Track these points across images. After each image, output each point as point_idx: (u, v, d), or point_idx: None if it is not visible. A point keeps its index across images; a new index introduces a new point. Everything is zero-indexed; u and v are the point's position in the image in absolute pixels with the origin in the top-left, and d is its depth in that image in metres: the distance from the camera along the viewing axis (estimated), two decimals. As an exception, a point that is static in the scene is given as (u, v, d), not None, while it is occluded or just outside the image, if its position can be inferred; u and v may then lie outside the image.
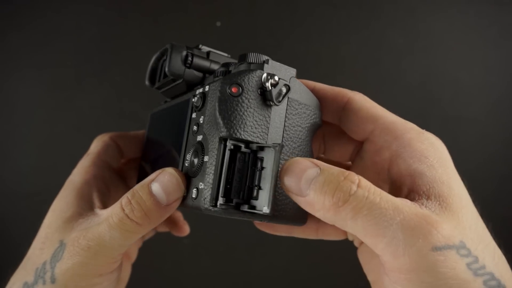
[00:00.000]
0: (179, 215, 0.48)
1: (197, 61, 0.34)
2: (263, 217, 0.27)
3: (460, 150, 0.82)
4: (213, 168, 0.26)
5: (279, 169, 0.26)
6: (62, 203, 0.34)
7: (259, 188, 0.26)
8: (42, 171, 0.74)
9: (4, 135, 0.74)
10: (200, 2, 0.76)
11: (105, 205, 0.35)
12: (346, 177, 0.24)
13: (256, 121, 0.27)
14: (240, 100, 0.27)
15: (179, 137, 0.33)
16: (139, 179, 0.41)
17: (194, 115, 0.31)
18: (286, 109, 0.28)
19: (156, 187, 0.29)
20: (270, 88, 0.27)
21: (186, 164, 0.30)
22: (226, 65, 0.32)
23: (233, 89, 0.27)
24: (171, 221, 0.48)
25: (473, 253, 0.24)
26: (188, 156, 0.30)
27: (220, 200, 0.26)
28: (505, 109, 0.77)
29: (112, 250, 0.30)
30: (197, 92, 0.31)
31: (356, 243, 0.36)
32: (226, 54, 0.37)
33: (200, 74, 0.34)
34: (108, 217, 0.30)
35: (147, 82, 0.39)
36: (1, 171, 0.74)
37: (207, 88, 0.29)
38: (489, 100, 0.77)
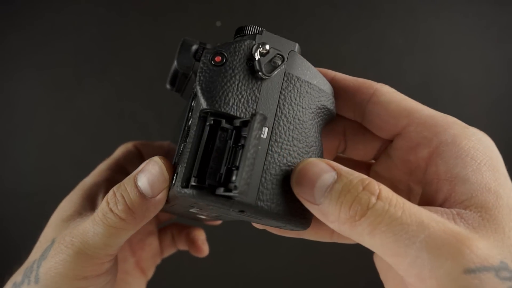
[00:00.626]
0: (199, 234, 0.45)
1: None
2: (243, 207, 0.23)
3: (460, 150, 0.82)
4: (188, 146, 0.23)
5: (257, 150, 0.22)
6: (66, 202, 0.33)
7: (237, 169, 0.22)
8: (42, 171, 0.74)
9: (4, 135, 0.74)
10: (200, 2, 0.76)
11: None
12: (366, 187, 0.22)
13: (241, 94, 0.24)
14: (223, 70, 0.24)
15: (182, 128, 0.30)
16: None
17: (192, 103, 0.28)
18: (282, 84, 0.25)
19: (141, 178, 0.26)
20: (258, 57, 0.24)
21: (181, 147, 0.26)
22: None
23: (216, 58, 0.24)
24: (189, 239, 0.44)
25: None
26: (181, 146, 0.27)
27: (192, 181, 0.22)
28: (505, 109, 0.77)
29: (95, 248, 0.27)
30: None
31: None
32: None
33: None
34: (94, 215, 0.27)
35: (168, 84, 0.36)
36: (1, 171, 0.74)
37: (199, 70, 0.26)
38: (489, 100, 0.77)
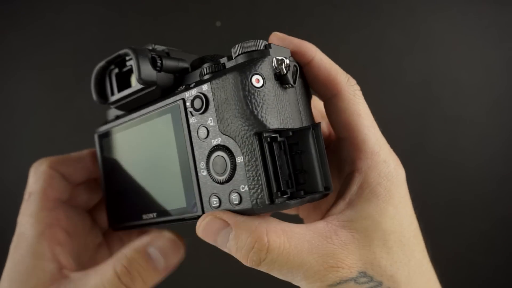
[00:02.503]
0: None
1: (168, 62, 0.32)
2: (313, 199, 0.27)
3: (460, 150, 0.82)
4: (255, 166, 0.25)
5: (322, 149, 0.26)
6: (20, 268, 0.30)
7: (305, 172, 0.26)
8: (42, 171, 0.74)
9: (4, 135, 0.74)
10: (200, 2, 0.76)
11: (74, 259, 0.32)
12: (255, 245, 0.25)
13: (282, 107, 0.26)
14: (266, 90, 0.26)
15: (172, 149, 0.30)
16: (113, 215, 0.36)
17: (193, 120, 0.28)
18: (296, 87, 0.28)
19: (154, 253, 0.29)
20: (285, 71, 0.26)
21: (204, 173, 0.28)
22: (202, 60, 0.30)
23: (255, 81, 0.26)
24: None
25: (377, 278, 0.26)
26: (203, 164, 0.28)
27: (276, 196, 0.25)
28: (505, 109, 0.77)
29: None
30: (188, 95, 0.28)
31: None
32: (180, 50, 0.34)
33: (171, 76, 0.32)
34: (99, 286, 0.28)
35: (96, 98, 0.34)
36: (1, 171, 0.74)
37: (205, 87, 0.27)
38: (489, 100, 0.77)
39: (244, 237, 0.26)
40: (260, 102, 0.26)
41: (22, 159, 0.74)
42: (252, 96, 0.26)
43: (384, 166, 0.28)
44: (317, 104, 0.34)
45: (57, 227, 0.33)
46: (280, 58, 0.26)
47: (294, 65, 0.27)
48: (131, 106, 0.34)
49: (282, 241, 0.26)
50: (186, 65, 0.32)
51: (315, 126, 0.25)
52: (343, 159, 0.30)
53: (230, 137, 0.26)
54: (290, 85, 0.27)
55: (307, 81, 0.30)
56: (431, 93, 0.77)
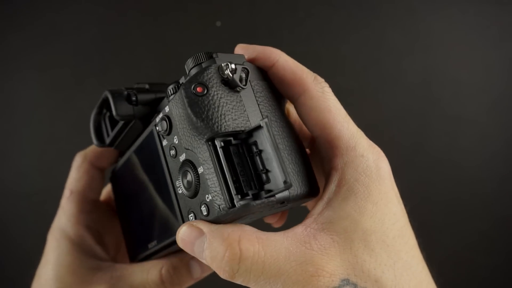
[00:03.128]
0: None
1: (142, 96, 0.33)
2: (283, 199, 0.26)
3: (460, 150, 0.82)
4: (213, 173, 0.25)
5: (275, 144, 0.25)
6: (62, 256, 0.34)
7: (267, 171, 0.25)
8: (42, 171, 0.74)
9: (4, 135, 0.74)
10: (200, 2, 0.76)
11: (107, 251, 0.36)
12: (226, 254, 0.25)
13: (232, 110, 0.26)
14: (210, 97, 0.26)
15: (158, 174, 0.31)
16: (130, 249, 0.38)
17: (165, 142, 0.29)
18: (253, 90, 0.28)
19: (195, 267, 0.33)
20: (231, 75, 0.26)
21: (180, 191, 0.28)
22: (172, 84, 0.30)
23: (198, 89, 0.26)
24: None
25: (361, 285, 0.24)
26: (178, 182, 0.28)
27: (236, 198, 0.24)
28: (505, 109, 0.77)
29: None
30: (157, 119, 0.29)
31: None
32: (162, 83, 0.35)
33: (149, 108, 0.33)
34: (144, 283, 0.32)
35: (95, 142, 0.36)
36: (1, 171, 0.74)
37: (167, 109, 0.28)
38: (489, 100, 0.77)
39: (216, 245, 0.25)
40: (205, 109, 0.26)
41: (22, 159, 0.74)
42: (196, 104, 0.26)
43: (362, 160, 0.27)
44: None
45: (94, 228, 0.36)
46: (225, 63, 0.26)
47: (243, 68, 0.27)
48: (125, 144, 0.35)
49: (257, 249, 0.25)
50: (163, 95, 0.33)
51: (263, 120, 0.24)
52: (322, 158, 0.29)
53: (190, 150, 0.27)
54: (239, 88, 0.27)
55: (275, 84, 0.30)
56: (431, 93, 0.77)
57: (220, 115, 0.26)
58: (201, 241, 0.26)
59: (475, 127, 0.77)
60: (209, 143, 0.25)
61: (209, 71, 0.27)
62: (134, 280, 0.32)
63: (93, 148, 0.38)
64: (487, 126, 0.77)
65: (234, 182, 0.25)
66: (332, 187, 0.27)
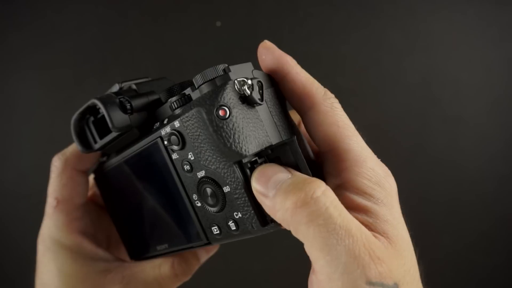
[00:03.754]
0: None
1: (136, 102, 0.31)
2: None
3: (460, 150, 0.82)
4: (243, 194, 0.26)
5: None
6: (66, 268, 0.34)
7: None
8: (42, 171, 0.74)
9: (4, 135, 0.74)
10: (200, 2, 0.76)
11: (110, 251, 0.36)
12: (313, 181, 0.24)
13: (254, 129, 0.26)
14: (234, 119, 0.25)
15: (166, 184, 0.30)
16: (131, 248, 0.38)
17: (175, 156, 0.28)
18: (265, 100, 0.27)
19: (200, 250, 0.34)
20: (249, 93, 0.26)
21: (199, 204, 0.29)
22: (170, 91, 0.30)
23: (221, 113, 0.25)
24: None
25: None
26: (196, 196, 0.28)
27: (268, 218, 0.26)
28: (505, 109, 0.77)
29: None
30: (164, 133, 0.28)
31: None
32: (147, 78, 0.34)
33: (144, 113, 0.31)
34: (158, 278, 0.33)
35: (81, 149, 0.33)
36: (1, 171, 0.74)
37: (176, 124, 0.27)
38: (489, 100, 0.77)
39: (305, 176, 0.25)
40: (231, 133, 0.25)
41: (22, 159, 0.74)
42: (222, 129, 0.25)
43: (373, 173, 0.27)
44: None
45: (89, 232, 0.36)
46: (241, 79, 0.26)
47: (258, 81, 0.26)
48: (116, 148, 0.34)
49: (337, 200, 0.24)
50: (156, 96, 0.32)
51: (290, 140, 0.25)
52: (327, 173, 0.29)
53: (211, 169, 0.27)
54: (257, 104, 0.26)
55: (284, 94, 0.29)
56: (431, 93, 0.77)
57: (246, 137, 0.25)
58: (285, 174, 0.25)
59: (475, 127, 0.77)
60: (236, 166, 0.26)
61: (228, 90, 0.26)
62: (147, 277, 0.33)
63: (72, 150, 0.36)
64: (487, 126, 0.77)
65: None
66: (354, 197, 0.26)
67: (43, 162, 0.75)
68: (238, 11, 0.76)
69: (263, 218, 0.26)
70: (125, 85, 0.33)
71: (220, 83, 0.26)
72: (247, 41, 0.75)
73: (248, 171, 0.26)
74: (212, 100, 0.25)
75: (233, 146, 0.25)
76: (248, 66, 0.28)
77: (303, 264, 0.82)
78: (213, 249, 0.36)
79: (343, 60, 0.76)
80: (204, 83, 0.26)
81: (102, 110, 0.29)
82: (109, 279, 0.33)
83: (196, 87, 0.27)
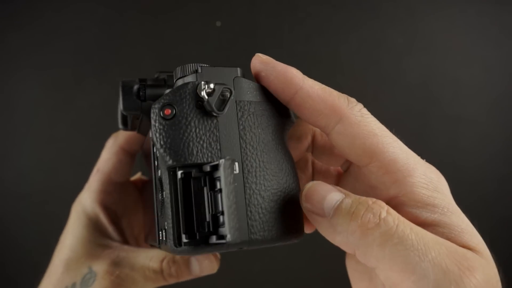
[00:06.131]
0: None
1: (151, 91, 0.31)
2: (240, 245, 0.23)
3: (460, 150, 0.82)
4: (168, 203, 0.23)
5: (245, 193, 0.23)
6: (79, 229, 0.36)
7: (223, 213, 0.22)
8: (42, 171, 0.74)
9: (4, 135, 0.74)
10: (200, 2, 0.76)
11: (120, 232, 0.37)
12: (375, 202, 0.22)
13: (201, 139, 0.23)
14: (176, 122, 0.23)
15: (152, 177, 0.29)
16: (147, 228, 0.38)
17: (155, 149, 0.26)
18: (237, 114, 0.24)
19: (194, 264, 0.34)
20: (206, 97, 0.23)
21: (161, 207, 0.26)
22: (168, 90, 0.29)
23: (166, 111, 0.23)
24: None
25: None
26: (158, 196, 0.26)
27: (184, 238, 0.22)
28: (505, 109, 0.77)
29: None
30: None
31: None
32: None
33: None
34: (145, 268, 0.33)
35: (120, 125, 0.36)
36: (1, 171, 0.74)
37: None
38: (489, 100, 0.77)
39: (359, 196, 0.23)
40: (170, 134, 0.23)
41: (22, 159, 0.74)
42: (162, 129, 0.23)
43: (428, 180, 0.25)
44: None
45: (111, 209, 0.37)
46: (205, 82, 0.24)
47: (226, 89, 0.24)
48: (146, 130, 0.34)
49: (401, 216, 0.22)
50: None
51: (224, 160, 0.21)
52: (372, 187, 0.26)
53: (161, 170, 0.24)
54: (214, 113, 0.23)
55: (299, 113, 0.26)
56: (431, 93, 0.77)
57: (184, 143, 0.23)
58: (338, 194, 0.23)
59: (475, 127, 0.77)
60: (171, 171, 0.23)
61: (184, 90, 0.24)
62: (136, 263, 0.33)
63: (127, 134, 0.39)
64: (487, 126, 0.77)
65: (186, 219, 0.23)
66: (414, 210, 0.24)
67: (43, 162, 0.75)
68: (238, 11, 0.76)
69: (178, 238, 0.23)
70: (161, 75, 0.33)
71: (186, 82, 0.24)
72: (247, 41, 0.75)
73: (180, 182, 0.23)
74: (162, 99, 0.24)
75: (168, 148, 0.23)
76: (232, 71, 0.25)
77: (303, 264, 0.82)
78: (206, 269, 0.35)
79: (343, 60, 0.76)
80: (177, 79, 0.25)
81: (120, 91, 0.31)
82: (105, 254, 0.34)
83: (174, 81, 0.26)
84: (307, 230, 0.30)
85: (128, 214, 0.39)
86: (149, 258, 0.34)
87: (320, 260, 0.75)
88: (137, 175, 0.42)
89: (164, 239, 0.24)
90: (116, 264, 0.33)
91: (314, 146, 0.30)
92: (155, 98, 0.30)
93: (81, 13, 0.75)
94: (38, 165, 0.74)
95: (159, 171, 0.25)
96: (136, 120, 0.33)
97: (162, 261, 0.33)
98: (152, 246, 0.36)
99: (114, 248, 0.35)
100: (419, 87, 0.77)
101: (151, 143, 0.27)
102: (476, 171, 0.76)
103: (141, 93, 0.31)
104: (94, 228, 0.36)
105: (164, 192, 0.24)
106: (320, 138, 0.30)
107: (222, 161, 0.21)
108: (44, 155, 0.74)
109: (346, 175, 0.30)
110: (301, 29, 0.76)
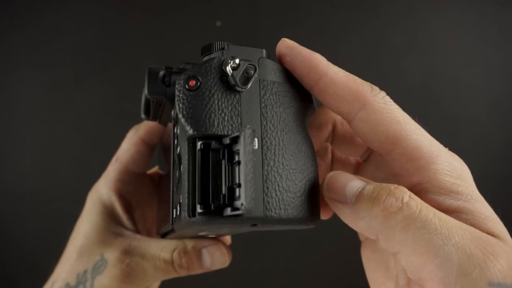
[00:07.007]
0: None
1: (176, 77, 0.31)
2: (254, 220, 0.23)
3: (460, 150, 0.82)
4: (185, 173, 0.23)
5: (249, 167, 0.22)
6: (93, 216, 0.36)
7: (239, 185, 0.22)
8: (42, 171, 0.74)
9: (4, 135, 0.74)
10: (200, 1, 0.76)
11: (133, 222, 0.37)
12: (397, 187, 0.23)
13: (223, 112, 0.24)
14: (200, 93, 0.24)
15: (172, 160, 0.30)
16: (159, 219, 0.38)
17: (175, 129, 0.27)
18: (260, 92, 0.25)
19: (206, 256, 0.33)
20: (231, 71, 0.24)
21: (178, 183, 0.27)
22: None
23: (190, 83, 0.24)
24: None
25: None
26: (176, 173, 0.27)
27: (198, 208, 0.22)
28: (505, 109, 0.77)
29: (147, 282, 0.34)
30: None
31: (361, 236, 0.32)
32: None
33: None
34: (155, 258, 0.33)
35: (142, 115, 0.36)
36: (1, 171, 0.74)
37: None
38: (489, 100, 0.77)
39: (381, 183, 0.23)
40: (193, 105, 0.24)
41: (22, 159, 0.74)
42: (185, 100, 0.24)
43: (451, 167, 0.25)
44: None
45: (126, 198, 0.38)
46: (230, 57, 0.24)
47: (250, 65, 0.24)
48: (166, 120, 0.34)
49: (423, 201, 0.22)
50: None
51: (242, 131, 0.22)
52: (395, 174, 0.26)
53: (180, 145, 0.25)
54: (237, 87, 0.24)
55: (321, 99, 0.26)
56: (431, 93, 0.77)
57: (206, 114, 0.24)
58: (359, 182, 0.23)
59: (475, 127, 0.77)
60: (191, 142, 0.24)
61: (209, 64, 0.25)
62: (147, 252, 0.33)
63: (146, 123, 0.38)
64: (487, 126, 0.77)
65: (202, 189, 0.23)
66: (439, 198, 0.24)
67: (43, 162, 0.75)
68: (238, 11, 0.76)
69: (193, 208, 0.23)
70: (186, 65, 0.34)
71: (212, 57, 0.25)
72: (247, 41, 0.75)
73: (199, 153, 0.23)
74: (189, 71, 0.25)
75: (190, 118, 0.24)
76: (258, 51, 0.26)
77: (303, 264, 0.82)
78: (218, 263, 0.35)
79: (343, 60, 0.76)
80: (204, 55, 0.26)
81: (146, 76, 0.31)
82: (117, 241, 0.34)
83: (200, 58, 0.27)
84: (323, 216, 0.30)
85: (142, 206, 0.39)
86: (161, 248, 0.33)
87: (320, 260, 0.75)
88: (154, 169, 0.42)
89: (178, 214, 0.24)
90: (127, 252, 0.33)
91: (334, 136, 0.31)
92: None
93: (81, 13, 0.75)
94: (38, 165, 0.74)
95: (178, 148, 0.25)
96: (159, 107, 0.33)
97: (173, 251, 0.33)
98: (163, 236, 0.36)
99: (127, 236, 0.35)
100: (419, 87, 0.77)
101: (172, 122, 0.28)
102: (476, 171, 0.75)
103: (166, 79, 0.31)
104: (109, 215, 0.36)
105: (182, 166, 0.24)
106: (340, 128, 0.30)
107: (243, 128, 0.22)
108: (44, 155, 0.74)
109: (365, 164, 0.30)
110: (301, 29, 0.76)
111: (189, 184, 0.23)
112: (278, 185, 0.24)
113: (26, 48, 0.74)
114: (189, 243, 0.34)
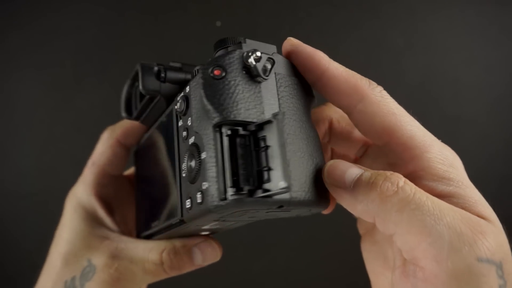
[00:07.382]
0: None
1: (171, 74, 0.33)
2: (281, 202, 0.24)
3: (460, 150, 0.82)
4: (214, 160, 0.24)
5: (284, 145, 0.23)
6: (76, 221, 0.36)
7: (269, 169, 0.23)
8: (42, 171, 0.74)
9: (4, 135, 0.74)
10: (200, 1, 0.76)
11: (117, 224, 0.37)
12: (393, 173, 0.24)
13: (248, 100, 0.25)
14: (226, 82, 0.25)
15: (170, 153, 0.30)
16: (137, 225, 0.38)
17: (180, 123, 0.28)
18: (276, 84, 0.27)
19: (197, 253, 0.33)
20: (254, 63, 0.25)
21: (184, 175, 0.27)
22: (199, 65, 0.30)
23: (216, 72, 0.25)
24: None
25: (505, 277, 0.23)
26: (184, 165, 0.27)
27: (230, 191, 0.23)
28: (505, 109, 0.77)
29: (137, 285, 0.33)
30: (178, 98, 0.29)
31: (361, 230, 0.33)
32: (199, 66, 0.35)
33: (177, 87, 0.32)
34: (144, 260, 0.33)
35: (123, 114, 0.36)
36: (1, 171, 0.74)
37: (187, 89, 0.27)
38: (489, 100, 0.77)
39: (378, 170, 0.25)
40: (218, 93, 0.25)
41: (22, 159, 0.74)
42: (211, 87, 0.25)
43: (444, 156, 0.26)
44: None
45: (107, 201, 0.37)
46: (252, 50, 0.25)
47: (269, 58, 0.26)
48: (151, 120, 0.35)
49: (417, 187, 0.24)
50: None
51: (276, 114, 0.23)
52: (391, 164, 0.28)
53: (199, 134, 0.26)
54: (260, 78, 0.25)
55: (324, 94, 0.28)
56: (431, 93, 0.77)
57: (233, 102, 0.24)
58: (358, 169, 0.25)
59: (475, 127, 0.77)
60: (216, 128, 0.24)
61: (232, 56, 0.26)
62: (135, 255, 0.33)
63: (121, 124, 0.39)
64: (487, 126, 0.77)
65: (232, 174, 0.23)
66: (431, 183, 0.26)
67: (43, 162, 0.75)
68: (238, 11, 0.77)
69: (224, 191, 0.23)
70: (175, 64, 0.35)
71: (230, 50, 0.26)
72: (247, 41, 0.75)
73: (226, 138, 0.24)
74: (213, 61, 0.26)
75: (216, 105, 0.24)
76: (271, 47, 0.28)
77: (303, 265, 0.82)
78: (210, 258, 0.35)
79: (343, 60, 0.76)
80: (219, 49, 0.27)
81: (139, 71, 0.32)
82: (104, 245, 0.34)
83: (214, 53, 0.27)
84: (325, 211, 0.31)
85: (122, 208, 0.39)
86: (149, 249, 0.33)
87: (320, 260, 0.75)
88: (131, 170, 0.42)
89: (198, 202, 0.25)
90: (114, 256, 0.33)
91: (331, 133, 0.32)
92: (174, 81, 0.32)
93: (81, 13, 0.75)
94: (38, 165, 0.74)
95: (192, 138, 0.26)
96: (149, 105, 0.33)
97: (161, 252, 0.32)
98: (148, 238, 0.35)
99: (113, 239, 0.35)
100: (419, 87, 0.77)
101: (174, 118, 0.29)
102: (476, 171, 0.76)
103: (161, 75, 0.32)
104: (92, 219, 0.36)
105: (204, 153, 0.25)
106: (337, 125, 0.32)
107: (276, 115, 0.23)
108: (44, 155, 0.74)
109: (362, 158, 0.32)
110: (301, 29, 0.76)
111: (218, 169, 0.24)
112: (297, 169, 0.25)
113: (26, 48, 0.75)
114: (178, 243, 0.33)
